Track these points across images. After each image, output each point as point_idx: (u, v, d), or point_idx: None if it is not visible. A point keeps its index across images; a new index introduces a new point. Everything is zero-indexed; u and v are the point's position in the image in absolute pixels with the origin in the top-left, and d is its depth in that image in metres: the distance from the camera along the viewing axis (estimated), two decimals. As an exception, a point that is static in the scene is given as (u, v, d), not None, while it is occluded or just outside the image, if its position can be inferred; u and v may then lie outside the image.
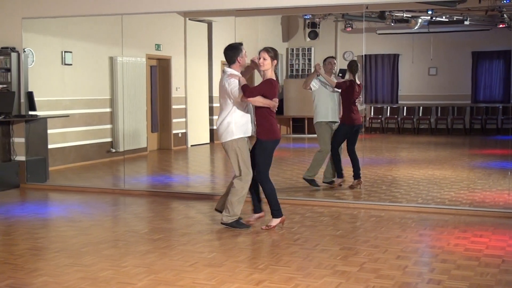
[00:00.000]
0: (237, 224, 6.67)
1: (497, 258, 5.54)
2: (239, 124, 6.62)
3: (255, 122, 6.67)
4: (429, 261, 5.56)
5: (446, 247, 5.94)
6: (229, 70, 6.64)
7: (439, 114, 17.85)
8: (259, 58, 6.58)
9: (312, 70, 9.30)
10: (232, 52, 6.68)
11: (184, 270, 5.19)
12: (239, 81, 6.54)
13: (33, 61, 10.26)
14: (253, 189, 6.78)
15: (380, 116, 17.38)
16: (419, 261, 5.56)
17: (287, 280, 4.92)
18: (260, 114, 6.59)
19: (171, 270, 5.18)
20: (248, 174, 6.61)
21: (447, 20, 16.03)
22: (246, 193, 6.66)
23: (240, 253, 5.74)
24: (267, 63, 6.54)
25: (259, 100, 6.48)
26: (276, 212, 6.68)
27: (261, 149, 6.64)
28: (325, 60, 9.21)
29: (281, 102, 17.79)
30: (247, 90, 6.44)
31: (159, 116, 14.10)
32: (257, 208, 6.87)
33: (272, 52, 6.59)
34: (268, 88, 6.51)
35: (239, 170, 6.62)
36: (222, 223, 6.71)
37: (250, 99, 6.47)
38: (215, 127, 16.75)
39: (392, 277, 4.96)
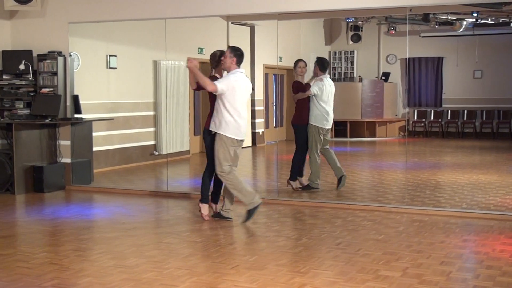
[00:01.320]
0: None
1: (544, 265, 5.44)
2: None
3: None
4: (473, 267, 5.48)
5: (491, 253, 5.84)
6: None
7: (484, 118, 17.57)
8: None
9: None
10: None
11: (225, 272, 5.22)
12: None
13: (78, 65, 10.42)
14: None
15: (424, 120, 17.20)
16: (463, 267, 5.49)
17: (329, 284, 4.90)
18: None
19: (213, 273, 5.21)
20: None
21: (493, 22, 15.78)
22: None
23: (281, 256, 5.74)
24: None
25: None
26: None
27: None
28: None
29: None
30: None
31: (202, 119, 14.17)
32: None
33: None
34: None
35: None
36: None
37: None
38: (257, 130, 16.92)
39: (435, 283, 4.91)
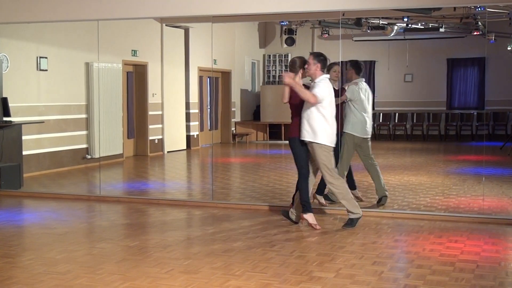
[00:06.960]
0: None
1: (472, 263, 5.59)
2: None
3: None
4: (404, 267, 5.59)
5: (422, 253, 5.97)
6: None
7: (414, 121, 18.01)
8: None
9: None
10: None
11: (159, 277, 5.17)
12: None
13: (7, 67, 10.17)
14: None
15: (356, 123, 17.45)
16: (394, 267, 5.59)
17: (264, 286, 4.91)
18: None
19: (147, 277, 5.15)
20: None
21: (423, 27, 16.21)
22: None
23: (216, 259, 5.72)
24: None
25: None
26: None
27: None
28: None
29: (257, 108, 17.84)
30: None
31: (135, 122, 14.05)
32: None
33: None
34: None
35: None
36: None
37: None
38: (192, 133, 16.81)
39: (368, 283, 4.98)
